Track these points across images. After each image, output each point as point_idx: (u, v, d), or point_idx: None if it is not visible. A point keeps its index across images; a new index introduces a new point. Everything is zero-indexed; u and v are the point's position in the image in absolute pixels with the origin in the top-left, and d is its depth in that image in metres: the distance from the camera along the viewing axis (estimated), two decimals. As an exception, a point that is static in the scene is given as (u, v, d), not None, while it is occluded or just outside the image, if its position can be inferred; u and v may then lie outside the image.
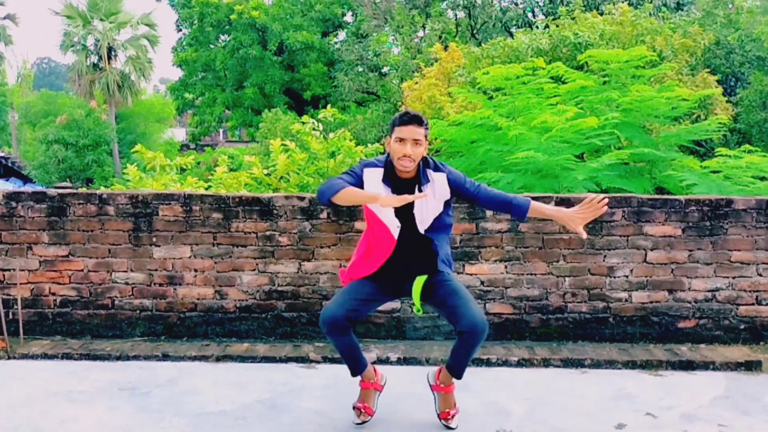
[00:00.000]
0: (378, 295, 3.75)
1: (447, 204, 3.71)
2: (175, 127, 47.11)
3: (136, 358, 4.84)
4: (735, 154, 7.46)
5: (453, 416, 3.77)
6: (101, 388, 4.32)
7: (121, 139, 33.66)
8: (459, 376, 3.76)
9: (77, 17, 33.51)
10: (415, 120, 3.54)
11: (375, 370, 3.93)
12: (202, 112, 34.85)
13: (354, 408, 3.84)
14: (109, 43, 34.12)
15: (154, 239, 5.27)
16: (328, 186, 3.52)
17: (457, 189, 3.66)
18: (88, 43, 34.78)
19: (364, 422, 3.80)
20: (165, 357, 4.84)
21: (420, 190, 3.59)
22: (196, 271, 5.28)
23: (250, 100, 32.24)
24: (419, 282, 3.68)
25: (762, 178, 7.05)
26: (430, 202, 3.62)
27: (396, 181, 3.62)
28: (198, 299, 5.29)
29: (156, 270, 5.29)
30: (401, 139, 3.52)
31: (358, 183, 3.60)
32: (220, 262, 5.27)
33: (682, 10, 18.61)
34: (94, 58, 34.93)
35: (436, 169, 3.67)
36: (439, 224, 3.70)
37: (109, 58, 34.68)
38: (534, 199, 5.13)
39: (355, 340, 3.74)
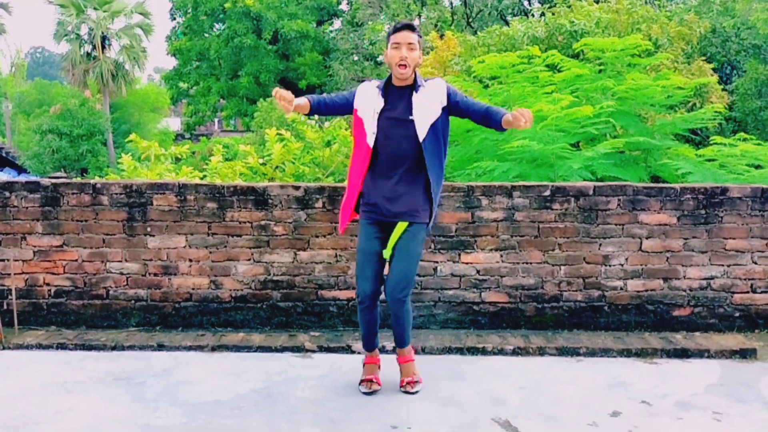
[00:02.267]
0: (379, 243, 3.96)
1: (444, 113, 3.91)
2: (170, 116, 46.98)
3: (131, 348, 4.83)
4: (730, 142, 7.46)
5: (408, 383, 4.07)
6: (96, 379, 4.32)
7: (116, 129, 33.55)
8: (402, 345, 4.11)
9: (71, 6, 33.32)
10: (407, 27, 3.84)
11: None
12: (197, 102, 34.78)
13: (362, 382, 4.12)
14: (102, 32, 33.96)
15: (149, 229, 5.25)
16: None
17: (450, 96, 3.89)
18: (81, 32, 34.61)
19: (375, 391, 4.07)
20: (160, 347, 4.83)
21: (416, 91, 3.85)
22: (190, 260, 5.27)
23: (244, 89, 32.17)
24: (399, 229, 3.90)
25: (757, 167, 7.05)
26: (425, 104, 3.84)
27: (392, 91, 3.90)
28: (193, 289, 5.28)
29: (151, 260, 5.27)
30: (397, 45, 3.80)
31: (347, 97, 3.97)
32: (215, 251, 5.26)
33: (678, -2, 18.56)
34: (87, 48, 34.79)
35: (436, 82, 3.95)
36: (435, 137, 3.85)
37: (103, 47, 34.53)
38: (529, 188, 5.17)
39: (378, 316, 4.08)
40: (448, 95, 3.91)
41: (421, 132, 3.84)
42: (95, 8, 33.50)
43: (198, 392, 4.09)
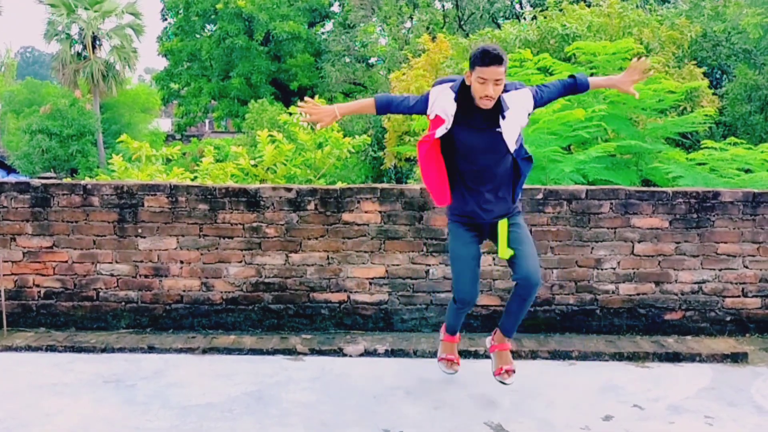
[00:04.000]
0: (478, 245, 3.92)
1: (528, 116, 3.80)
2: (161, 117, 46.79)
3: (121, 350, 4.80)
4: (720, 146, 7.48)
5: (506, 371, 3.95)
6: (86, 381, 4.28)
7: (106, 129, 33.41)
8: (509, 335, 4.00)
9: (61, 6, 33.13)
10: (496, 60, 3.50)
11: None
12: (188, 102, 34.65)
13: (442, 359, 4.16)
14: (93, 32, 33.79)
15: (140, 230, 5.22)
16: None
17: (535, 101, 3.77)
18: (72, 32, 34.43)
19: (455, 372, 4.14)
20: (150, 349, 4.80)
21: (503, 117, 3.63)
22: (182, 262, 5.24)
23: (236, 90, 32.08)
24: (503, 227, 3.81)
25: (747, 170, 7.08)
26: (513, 118, 3.66)
27: (471, 107, 3.66)
28: (184, 291, 5.25)
29: (141, 261, 5.24)
30: (483, 80, 3.53)
31: (421, 101, 3.79)
32: (207, 253, 5.23)
33: (669, 2, 18.63)
34: (78, 48, 34.61)
35: (515, 88, 3.74)
36: (520, 147, 3.77)
37: (94, 47, 34.37)
38: (521, 190, 5.15)
39: None
40: (534, 100, 3.77)
41: (511, 143, 3.68)
42: (86, 8, 33.33)
43: (189, 395, 4.06)
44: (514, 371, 3.98)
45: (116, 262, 5.24)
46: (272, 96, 30.27)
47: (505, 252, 3.82)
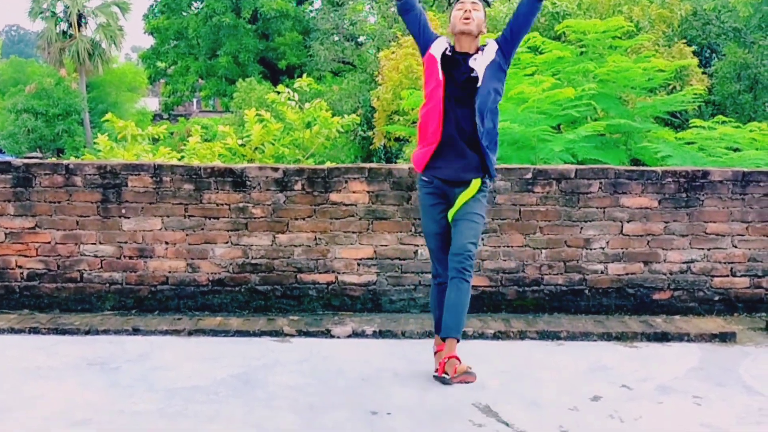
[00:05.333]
0: (443, 212, 3.90)
1: (500, 66, 3.84)
2: (148, 96, 46.43)
3: (105, 332, 4.74)
4: (709, 125, 7.47)
5: (444, 367, 3.74)
6: (70, 364, 4.23)
7: (92, 109, 33.14)
8: (449, 333, 3.76)
9: (46, -17, 32.69)
10: None
11: None
12: (175, 81, 34.33)
13: (465, 375, 3.71)
14: (78, 10, 33.43)
15: (124, 211, 5.15)
16: None
17: (500, 44, 3.86)
18: (57, 10, 34.04)
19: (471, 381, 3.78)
20: (135, 331, 4.75)
21: (474, 60, 3.80)
22: (167, 243, 5.17)
23: (223, 69, 31.80)
24: (473, 188, 3.81)
25: (735, 149, 7.07)
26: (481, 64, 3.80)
27: (456, 55, 3.84)
28: (169, 272, 5.19)
29: (126, 242, 5.18)
30: (461, 5, 3.83)
31: (430, 32, 3.94)
32: (192, 234, 5.17)
33: (659, -20, 18.52)
34: (63, 26, 34.26)
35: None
36: (491, 88, 3.79)
37: (79, 25, 34.01)
38: (510, 170, 5.12)
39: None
40: (499, 45, 3.87)
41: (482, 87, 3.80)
42: (71, -14, 32.92)
43: (174, 378, 4.02)
44: (452, 365, 3.74)
45: (100, 243, 5.17)
46: (260, 75, 30.01)
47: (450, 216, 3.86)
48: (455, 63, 3.82)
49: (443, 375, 3.77)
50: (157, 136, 8.71)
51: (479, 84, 3.76)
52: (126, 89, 38.43)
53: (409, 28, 3.99)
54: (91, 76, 34.78)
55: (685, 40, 12.70)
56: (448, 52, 3.85)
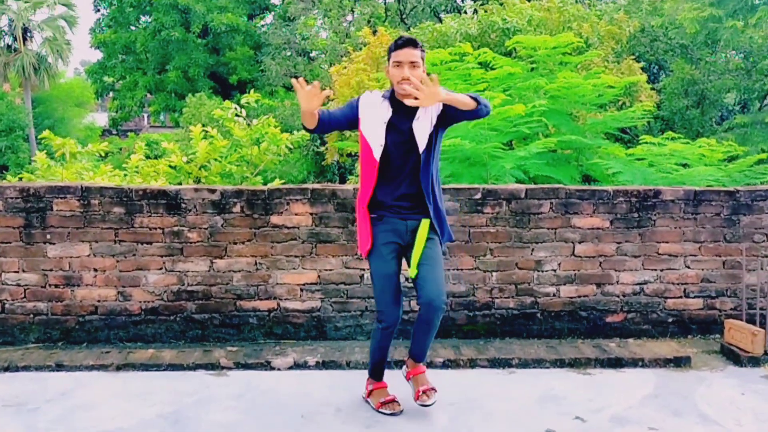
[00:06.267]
0: (395, 253, 3.71)
1: (439, 124, 3.63)
2: (97, 111, 45.44)
3: (26, 368, 4.38)
4: (659, 141, 7.42)
5: (424, 392, 3.70)
6: (-17, 405, 3.87)
7: (38, 125, 32.18)
8: (420, 359, 3.79)
9: (-12, -4, 31.81)
10: (409, 43, 3.54)
11: None
12: (123, 96, 33.63)
13: (381, 404, 3.79)
14: (24, 24, 32.58)
15: (49, 236, 4.81)
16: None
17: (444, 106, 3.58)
18: (1, 23, 33.12)
19: (401, 411, 3.77)
20: (59, 367, 4.40)
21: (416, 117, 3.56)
22: (96, 270, 4.84)
23: (173, 83, 31.25)
24: (423, 229, 3.64)
25: (685, 165, 7.02)
26: (423, 119, 3.59)
27: (398, 105, 3.59)
28: (99, 301, 4.86)
29: (51, 270, 4.83)
30: (398, 63, 3.53)
31: (351, 108, 3.65)
32: (123, 260, 4.85)
33: (608, -3, 18.76)
34: (8, 40, 33.32)
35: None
36: (434, 149, 3.62)
37: (25, 39, 33.14)
38: (459, 190, 4.93)
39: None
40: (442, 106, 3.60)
41: (422, 145, 3.58)
42: (16, -1, 32.09)
43: (97, 418, 3.70)
44: (433, 389, 3.74)
45: (23, 270, 4.82)
46: (211, 90, 29.57)
47: (413, 271, 3.65)
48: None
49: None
50: (101, 153, 8.33)
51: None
52: (73, 104, 37.45)
53: (338, 129, 3.80)
54: (37, 91, 33.84)
55: (633, 56, 12.79)
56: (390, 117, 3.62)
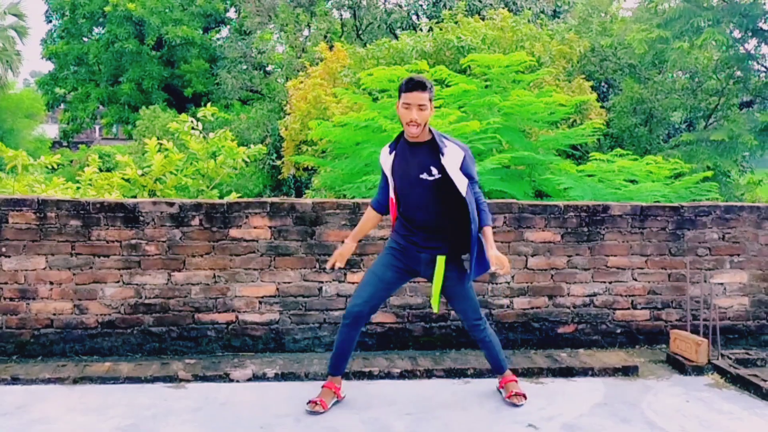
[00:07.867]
0: (399, 279, 4.07)
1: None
2: (47, 123, 44.52)
3: (-21, 383, 4.33)
4: (608, 158, 7.65)
5: (515, 395, 4.15)
6: (-65, 421, 3.82)
7: (-14, 136, 31.40)
8: (501, 371, 4.25)
9: (-65, 4, 31.01)
10: (418, 86, 3.73)
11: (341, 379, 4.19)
12: (74, 108, 33.03)
13: (309, 402, 3.99)
14: (-28, 34, 31.77)
15: (4, 249, 4.76)
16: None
17: (462, 166, 3.81)
18: (-52, 32, 32.25)
19: (315, 413, 3.94)
20: (14, 380, 4.36)
21: (442, 154, 3.76)
22: (51, 283, 4.81)
23: (126, 96, 30.85)
24: (440, 266, 3.90)
25: (633, 181, 7.26)
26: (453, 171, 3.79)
27: (405, 147, 3.88)
28: (54, 315, 4.82)
29: (6, 283, 4.78)
30: (407, 105, 3.74)
31: (382, 173, 4.01)
32: (80, 273, 4.83)
33: (559, 17, 19.22)
34: (-45, 50, 32.44)
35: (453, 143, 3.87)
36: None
37: (-27, 49, 32.30)
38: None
39: (356, 339, 4.06)
40: (462, 163, 3.81)
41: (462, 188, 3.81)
42: (-37, 8, 31.35)
43: (54, 432, 3.68)
44: (522, 395, 4.15)
45: (-24, 284, 4.76)
46: (165, 102, 29.25)
47: (436, 304, 4.00)
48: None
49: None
50: (52, 165, 8.23)
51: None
52: (23, 116, 36.64)
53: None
54: (-16, 102, 33.06)
55: (584, 75, 13.14)
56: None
